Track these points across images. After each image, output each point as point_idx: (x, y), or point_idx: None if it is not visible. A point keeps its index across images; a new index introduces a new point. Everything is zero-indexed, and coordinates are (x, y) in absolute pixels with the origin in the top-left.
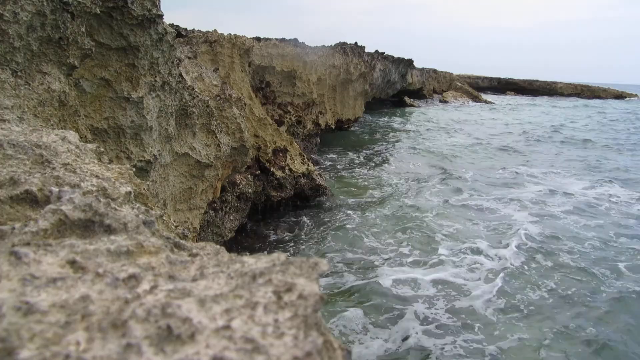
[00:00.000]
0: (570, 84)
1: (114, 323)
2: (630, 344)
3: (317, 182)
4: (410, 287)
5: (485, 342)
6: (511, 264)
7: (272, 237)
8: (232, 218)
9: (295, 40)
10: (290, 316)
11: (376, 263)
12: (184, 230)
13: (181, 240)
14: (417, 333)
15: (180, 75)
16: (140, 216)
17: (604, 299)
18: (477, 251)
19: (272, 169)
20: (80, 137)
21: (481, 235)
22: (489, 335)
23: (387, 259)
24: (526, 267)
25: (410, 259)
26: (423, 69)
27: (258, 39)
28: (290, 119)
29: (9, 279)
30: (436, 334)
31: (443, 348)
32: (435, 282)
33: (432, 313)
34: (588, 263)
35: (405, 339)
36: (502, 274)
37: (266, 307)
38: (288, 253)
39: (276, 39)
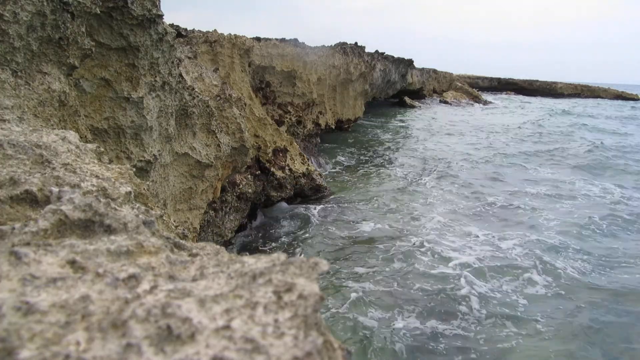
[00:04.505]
0: (570, 84)
1: (114, 323)
2: None
3: (317, 182)
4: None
5: None
6: None
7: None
8: (232, 218)
9: (295, 40)
10: (290, 316)
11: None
12: (184, 230)
13: (181, 240)
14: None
15: (180, 75)
16: (140, 216)
17: None
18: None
19: (272, 169)
20: (81, 137)
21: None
22: None
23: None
24: None
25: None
26: (423, 69)
27: (258, 39)
28: (290, 119)
29: (9, 279)
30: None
31: None
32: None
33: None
34: None
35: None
36: None
37: (266, 307)
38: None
39: (276, 39)
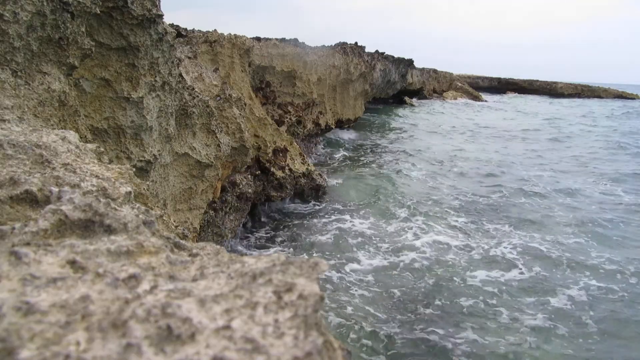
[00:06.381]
0: (570, 84)
1: (114, 323)
2: None
3: (317, 182)
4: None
5: None
6: None
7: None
8: (232, 218)
9: (295, 40)
10: (290, 316)
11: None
12: (184, 230)
13: (181, 241)
14: None
15: (180, 75)
16: (140, 216)
17: None
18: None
19: (272, 169)
20: (80, 137)
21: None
22: None
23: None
24: None
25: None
26: (423, 69)
27: (258, 39)
28: (290, 119)
29: (9, 279)
30: None
31: None
32: None
33: None
34: None
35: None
36: None
37: (266, 307)
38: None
39: (276, 39)
